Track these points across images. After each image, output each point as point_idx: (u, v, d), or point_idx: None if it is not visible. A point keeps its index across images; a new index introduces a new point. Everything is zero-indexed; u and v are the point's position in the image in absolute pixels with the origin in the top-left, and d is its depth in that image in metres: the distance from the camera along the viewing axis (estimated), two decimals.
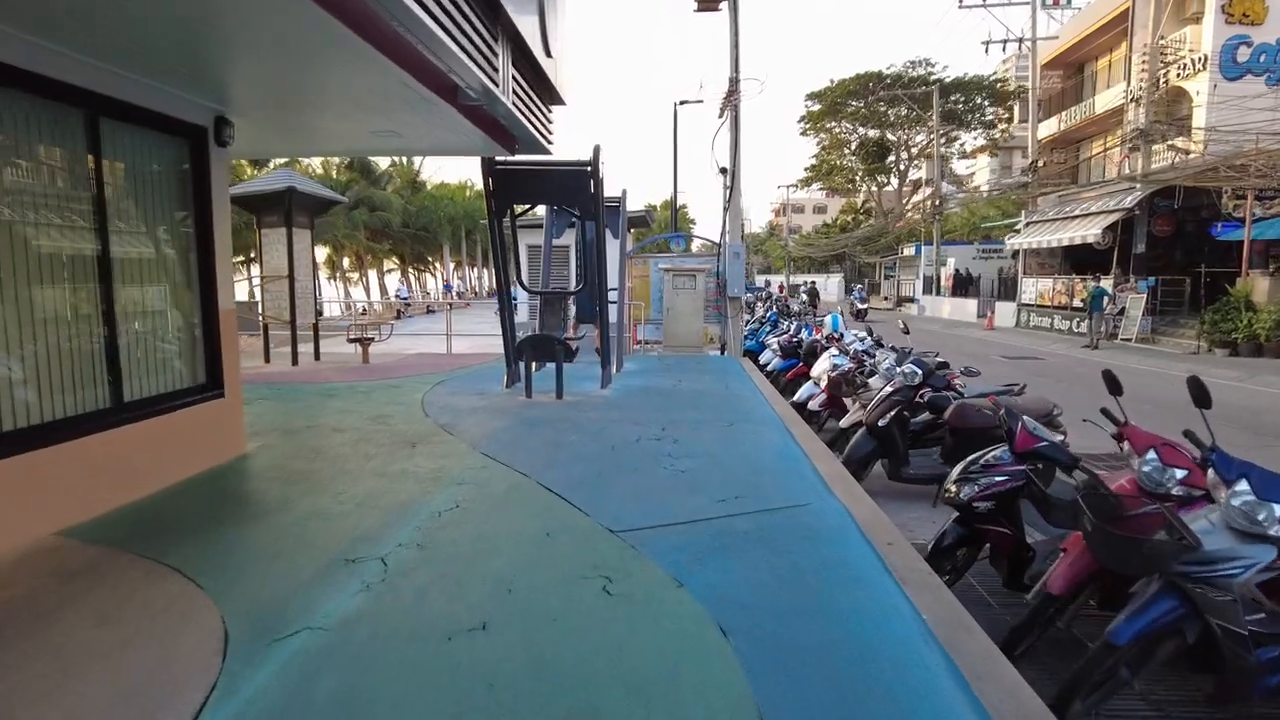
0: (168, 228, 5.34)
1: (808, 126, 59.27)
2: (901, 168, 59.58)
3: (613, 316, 11.53)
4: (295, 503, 4.71)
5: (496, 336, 15.09)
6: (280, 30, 3.93)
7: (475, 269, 73.80)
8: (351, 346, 11.99)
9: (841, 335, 9.06)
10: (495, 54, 5.45)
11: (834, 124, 60.17)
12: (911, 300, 44.85)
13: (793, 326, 12.56)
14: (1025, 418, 4.12)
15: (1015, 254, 38.19)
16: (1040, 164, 28.62)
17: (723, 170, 14.20)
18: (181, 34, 4.08)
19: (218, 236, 5.66)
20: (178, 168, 5.40)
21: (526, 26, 5.91)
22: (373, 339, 11.84)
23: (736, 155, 13.98)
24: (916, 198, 62.54)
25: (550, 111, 7.50)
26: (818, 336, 10.24)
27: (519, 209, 8.83)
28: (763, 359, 13.08)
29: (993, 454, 4.16)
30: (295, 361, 11.52)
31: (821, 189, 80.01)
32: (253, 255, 24.33)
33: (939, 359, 7.55)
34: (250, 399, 8.26)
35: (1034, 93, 28.17)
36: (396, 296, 44.97)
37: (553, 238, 11.54)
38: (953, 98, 50.14)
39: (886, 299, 48.78)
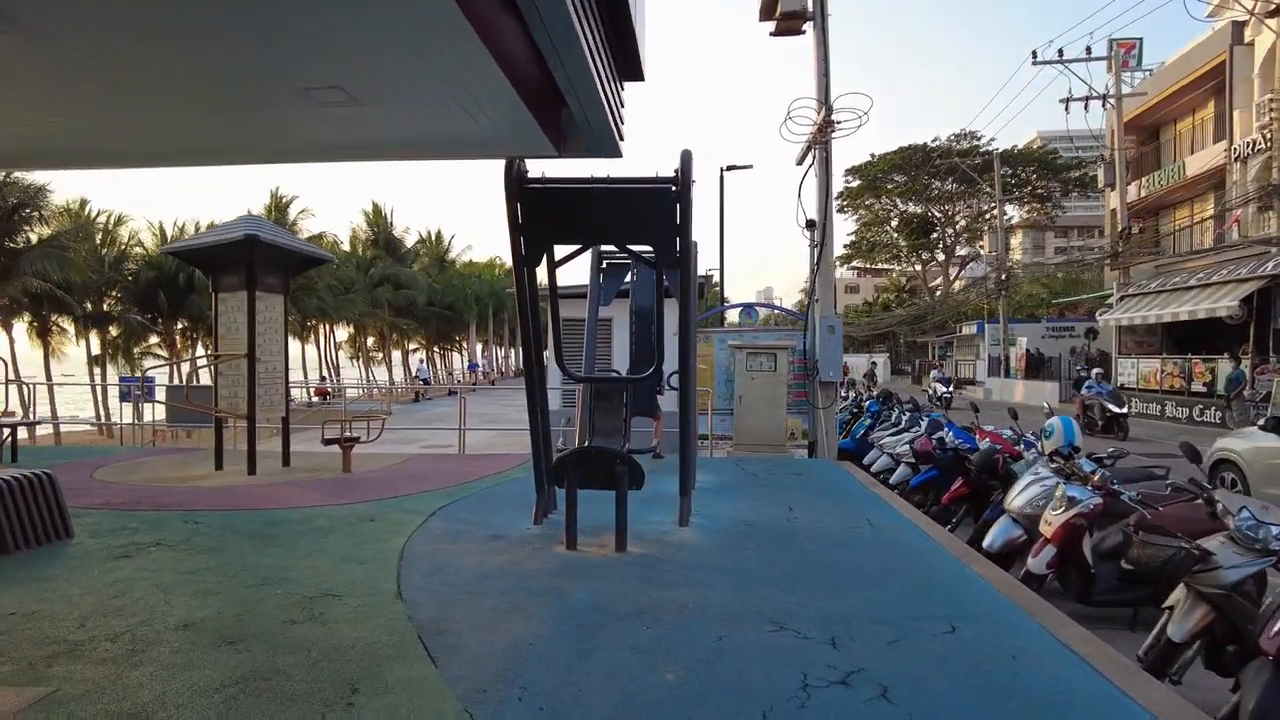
0: None
1: (846, 203, 57.18)
2: (947, 243, 57.03)
3: (664, 405, 8.49)
4: None
5: (520, 428, 12.06)
6: None
7: (502, 348, 71.57)
8: (331, 449, 9.00)
9: (1075, 451, 5.88)
10: None
11: (873, 200, 58.13)
12: (972, 382, 41.34)
13: (922, 422, 9.37)
14: None
15: (1091, 332, 34.88)
16: (1135, 230, 25.59)
17: (810, 224, 11.32)
18: None
19: None
20: None
21: None
22: (357, 440, 8.84)
23: (828, 205, 11.11)
24: (964, 273, 59.70)
25: (623, 90, 4.66)
26: (992, 444, 7.06)
27: (558, 250, 5.88)
28: (877, 465, 9.89)
29: None
30: (253, 469, 8.53)
31: (854, 268, 77.83)
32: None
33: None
34: (142, 543, 5.24)
35: (1119, 153, 25.39)
36: (416, 377, 42.43)
37: (598, 303, 8.60)
38: (1001, 171, 47.80)
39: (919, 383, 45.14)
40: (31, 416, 12.56)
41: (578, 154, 4.76)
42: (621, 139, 4.81)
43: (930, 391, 28.56)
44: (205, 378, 9.92)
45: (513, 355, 74.08)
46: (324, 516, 6.40)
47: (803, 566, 5.03)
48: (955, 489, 7.51)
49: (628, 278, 9.10)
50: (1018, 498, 5.70)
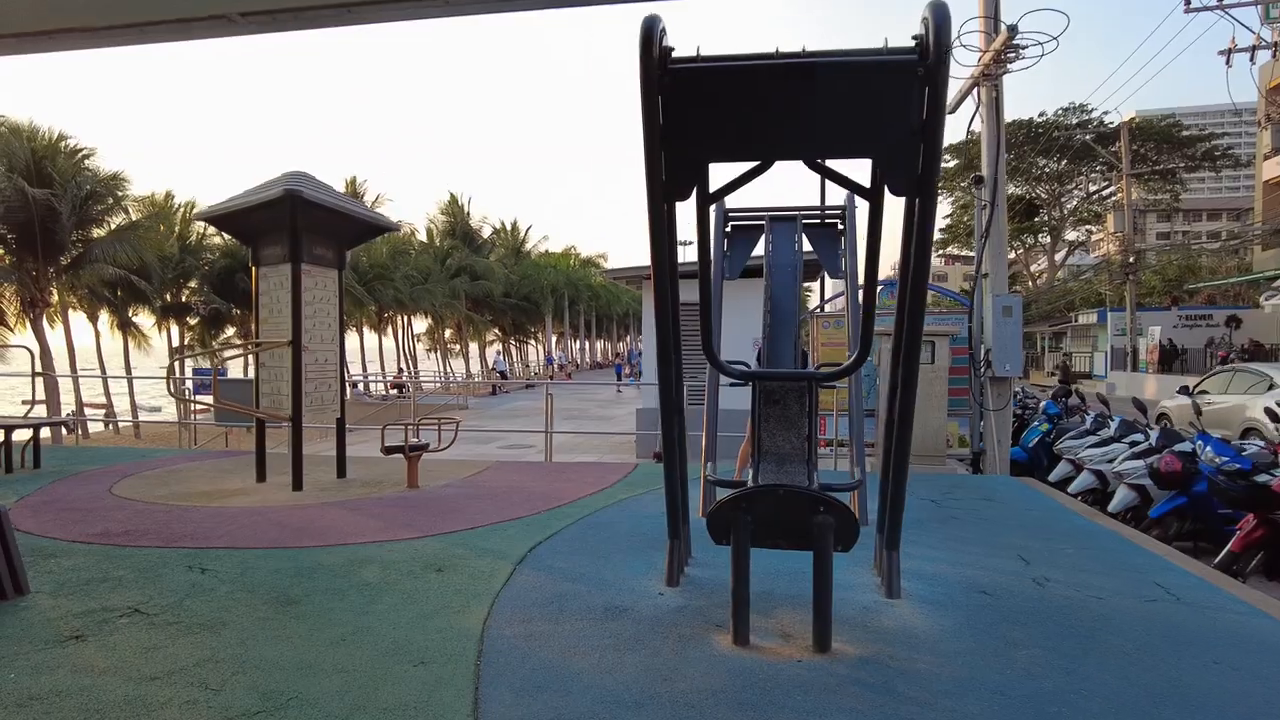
0: None
1: (942, 184, 53.51)
2: (1053, 225, 52.80)
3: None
4: None
5: (609, 430, 10.23)
6: None
7: (577, 340, 70.24)
8: (393, 458, 7.31)
9: None
10: None
11: (970, 181, 54.36)
12: (1089, 376, 37.73)
13: (1150, 433, 7.14)
14: None
15: (1233, 320, 31.08)
16: None
17: (977, 179, 9.11)
18: None
19: None
20: None
21: None
22: (425, 448, 7.12)
23: (1000, 157, 8.87)
24: (1070, 261, 55.36)
25: None
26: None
27: (717, 179, 3.88)
28: (1074, 484, 7.69)
29: None
30: (298, 483, 6.92)
31: (947, 256, 73.54)
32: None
33: None
34: (114, 608, 3.50)
35: None
36: (494, 370, 41.33)
37: (723, 276, 6.65)
38: (1110, 148, 43.50)
39: (1053, 373, 41.46)
40: (79, 412, 11.54)
41: None
42: None
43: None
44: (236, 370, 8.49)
45: (588, 348, 72.87)
46: (375, 562, 4.65)
47: (1142, 695, 2.98)
48: (1250, 532, 5.29)
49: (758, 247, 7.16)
50: None
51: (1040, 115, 46.25)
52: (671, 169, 3.41)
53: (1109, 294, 46.19)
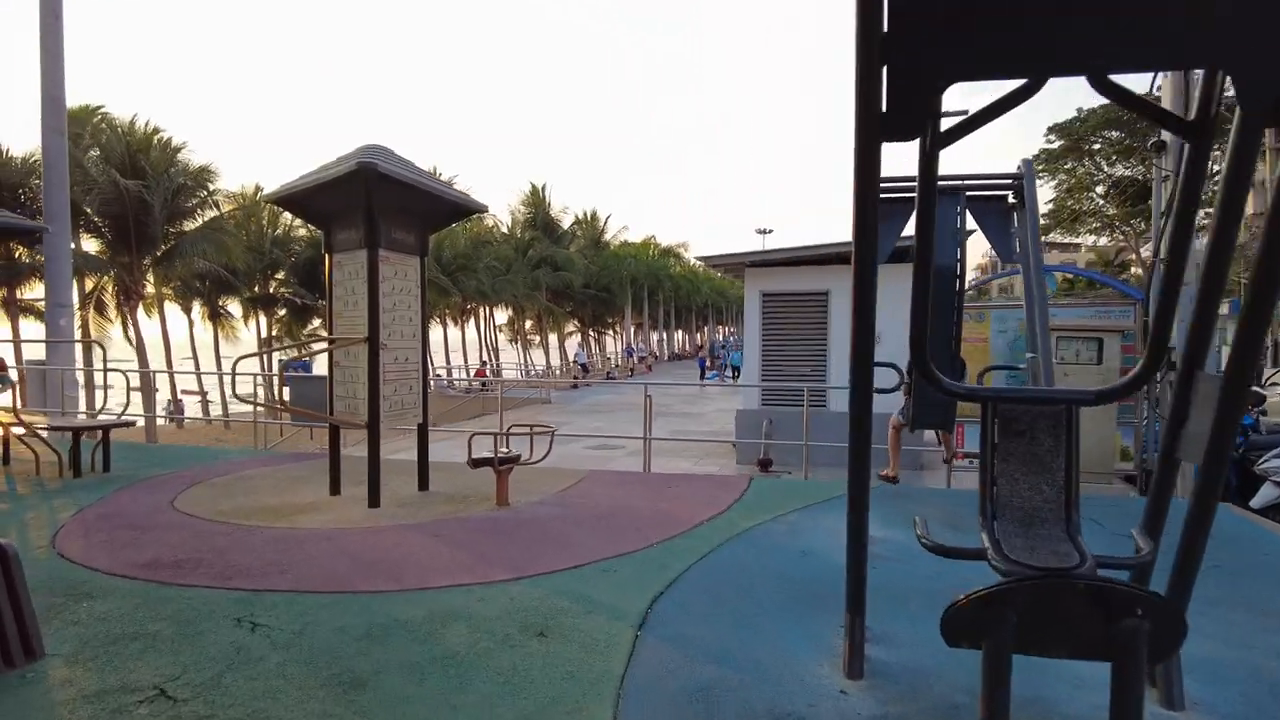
0: None
1: (1044, 166, 50.10)
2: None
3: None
4: None
5: (709, 438, 9.15)
6: None
7: (656, 331, 69.25)
8: (480, 471, 6.42)
9: None
10: None
11: (1075, 163, 50.71)
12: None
13: None
14: None
15: None
16: None
17: (1158, 147, 7.65)
18: None
19: None
20: None
21: None
22: (516, 460, 6.20)
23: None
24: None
25: None
26: None
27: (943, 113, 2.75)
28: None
29: None
30: (375, 499, 6.10)
31: (1051, 244, 69.20)
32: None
33: None
34: (137, 686, 2.65)
35: None
36: (575, 362, 40.76)
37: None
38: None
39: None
40: (153, 409, 11.20)
41: None
42: None
43: None
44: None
45: (666, 339, 71.86)
46: (463, 618, 3.71)
47: None
48: None
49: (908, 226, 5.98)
50: None
51: (1158, 89, 42.68)
52: (895, 94, 2.31)
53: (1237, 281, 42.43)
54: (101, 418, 7.91)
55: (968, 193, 6.04)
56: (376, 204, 5.86)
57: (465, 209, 6.88)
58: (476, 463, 6.07)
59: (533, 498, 6.47)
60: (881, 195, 5.99)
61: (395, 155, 6.12)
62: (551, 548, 4.98)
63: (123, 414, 8.18)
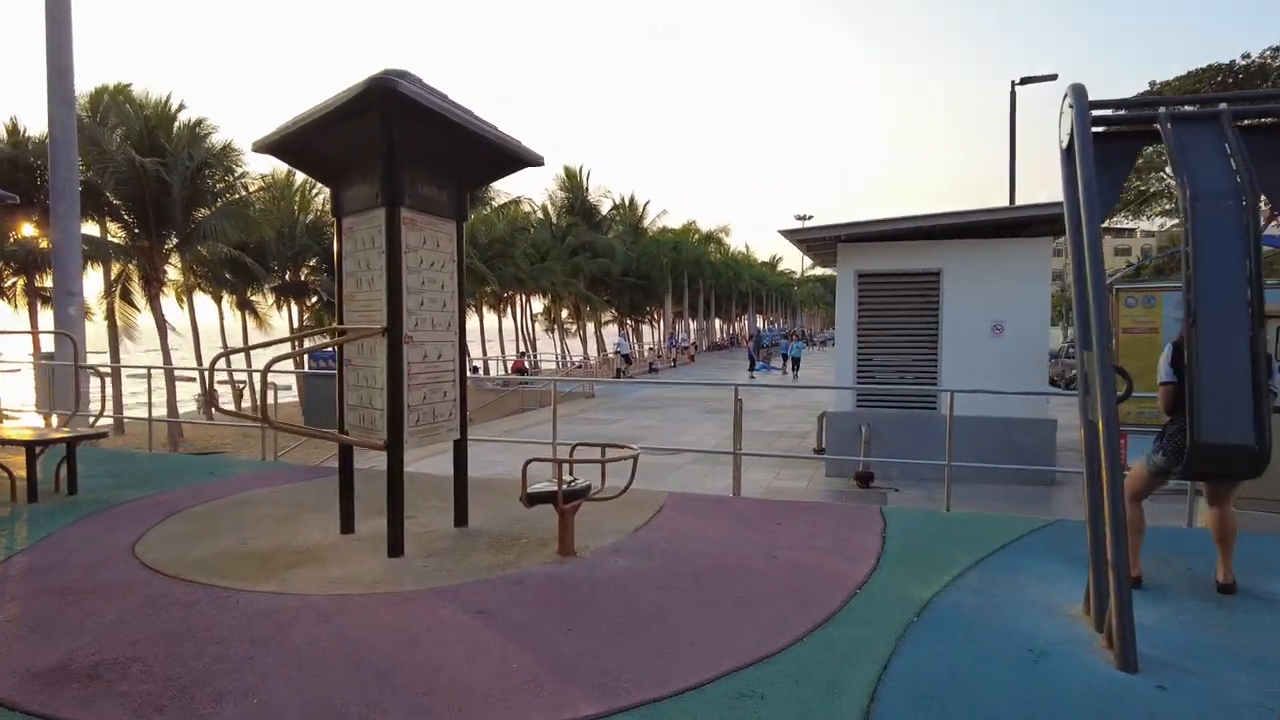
0: None
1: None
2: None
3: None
4: None
5: (765, 432, 7.45)
6: None
7: (696, 320, 67.26)
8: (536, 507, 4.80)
9: None
10: None
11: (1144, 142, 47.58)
12: None
13: None
14: None
15: None
16: None
17: None
18: None
19: None
20: None
21: None
22: (585, 494, 4.56)
23: None
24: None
25: None
26: None
27: None
28: None
29: None
30: (398, 548, 4.52)
31: (1117, 229, 65.89)
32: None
33: None
34: None
35: None
36: (616, 353, 39.16)
37: (1097, 220, 3.77)
38: None
39: None
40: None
41: None
42: None
43: None
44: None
45: (707, 328, 69.92)
46: None
47: None
48: None
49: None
50: None
51: (1244, 57, 39.55)
52: None
53: None
54: (82, 427, 6.48)
55: (1236, 120, 4.20)
56: (397, 142, 4.25)
57: (516, 156, 5.18)
58: (533, 499, 4.46)
59: (603, 539, 4.86)
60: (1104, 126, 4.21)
61: (422, 82, 4.49)
62: (647, 640, 3.35)
63: (95, 421, 6.73)
